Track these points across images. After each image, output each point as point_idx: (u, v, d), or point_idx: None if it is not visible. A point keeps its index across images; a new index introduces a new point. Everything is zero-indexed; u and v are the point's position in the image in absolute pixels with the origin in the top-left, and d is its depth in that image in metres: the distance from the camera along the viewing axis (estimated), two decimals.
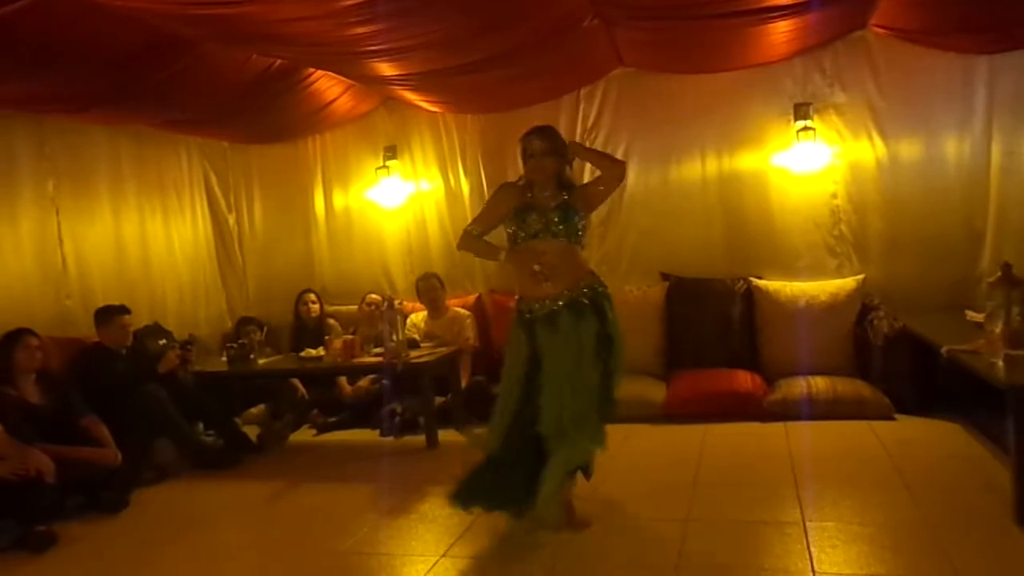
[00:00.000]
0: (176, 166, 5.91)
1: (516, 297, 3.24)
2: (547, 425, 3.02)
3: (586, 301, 3.10)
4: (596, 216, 5.50)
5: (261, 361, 5.01)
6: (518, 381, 3.16)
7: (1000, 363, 3.08)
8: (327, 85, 4.96)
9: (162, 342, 4.88)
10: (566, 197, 3.17)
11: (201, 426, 4.74)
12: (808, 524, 3.01)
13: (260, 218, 6.43)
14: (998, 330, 3.22)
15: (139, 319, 4.93)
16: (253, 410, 5.29)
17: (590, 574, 2.79)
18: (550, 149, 3.15)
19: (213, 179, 6.28)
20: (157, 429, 4.36)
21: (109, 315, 4.46)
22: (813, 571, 2.62)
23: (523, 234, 3.13)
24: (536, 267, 3.05)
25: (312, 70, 4.64)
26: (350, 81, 5.03)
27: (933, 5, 4.26)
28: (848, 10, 4.34)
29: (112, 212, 5.27)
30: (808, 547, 2.81)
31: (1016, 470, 2.89)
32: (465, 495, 3.13)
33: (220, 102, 4.71)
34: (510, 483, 3.07)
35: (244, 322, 5.69)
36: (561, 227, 3.10)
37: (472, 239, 3.25)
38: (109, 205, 5.26)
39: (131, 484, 3.98)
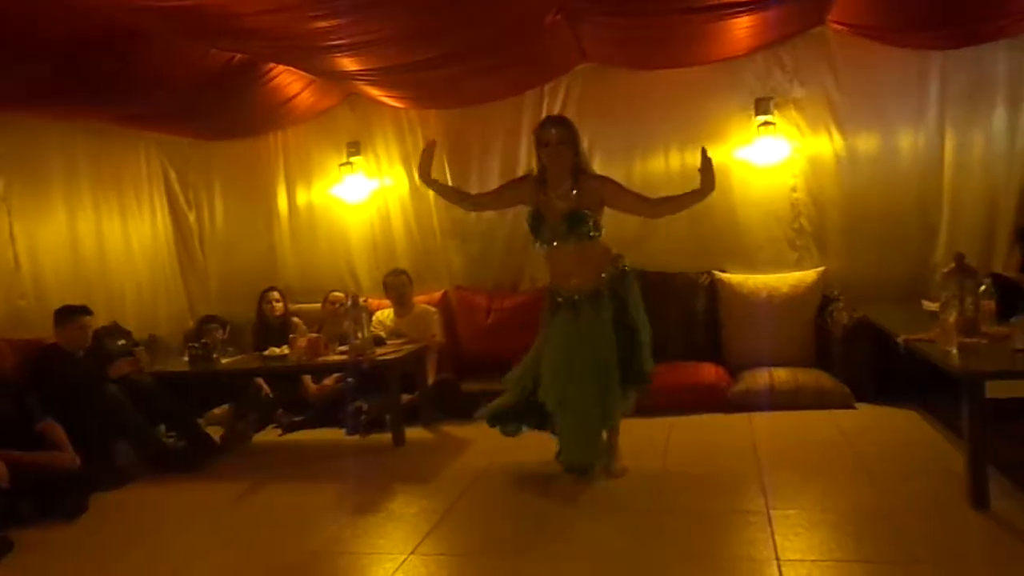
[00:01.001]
0: (134, 163, 5.78)
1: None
2: (546, 393, 3.42)
3: (603, 290, 3.44)
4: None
5: (224, 360, 4.93)
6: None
7: (954, 351, 3.15)
8: (288, 80, 4.89)
9: (121, 342, 4.77)
10: (575, 193, 3.38)
11: (163, 428, 4.65)
12: (772, 512, 3.06)
13: (221, 215, 6.33)
14: (952, 319, 3.30)
15: (97, 319, 4.80)
16: (216, 410, 5.19)
17: (556, 564, 2.80)
18: (566, 138, 3.33)
19: (172, 176, 6.16)
20: (116, 431, 4.27)
21: (69, 315, 4.35)
22: (777, 559, 2.66)
23: (539, 241, 3.51)
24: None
25: (273, 65, 4.57)
26: (312, 76, 4.96)
27: (888, 2, 4.34)
28: (806, 6, 4.40)
29: (67, 210, 5.14)
30: (772, 535, 2.85)
31: (970, 455, 2.97)
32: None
33: (179, 97, 4.61)
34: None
35: (206, 321, 5.58)
36: (571, 235, 3.40)
37: (450, 189, 3.93)
38: (63, 203, 5.12)
39: (90, 488, 3.88)
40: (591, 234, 3.43)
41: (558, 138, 3.31)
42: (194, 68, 4.21)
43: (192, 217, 6.31)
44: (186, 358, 4.92)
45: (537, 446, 4.34)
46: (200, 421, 4.87)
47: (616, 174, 5.35)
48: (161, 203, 6.04)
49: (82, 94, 4.30)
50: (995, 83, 4.82)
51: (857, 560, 2.64)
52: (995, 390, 2.86)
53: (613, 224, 5.41)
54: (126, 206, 5.66)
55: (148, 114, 5.07)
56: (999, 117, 4.83)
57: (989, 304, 3.57)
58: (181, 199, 6.23)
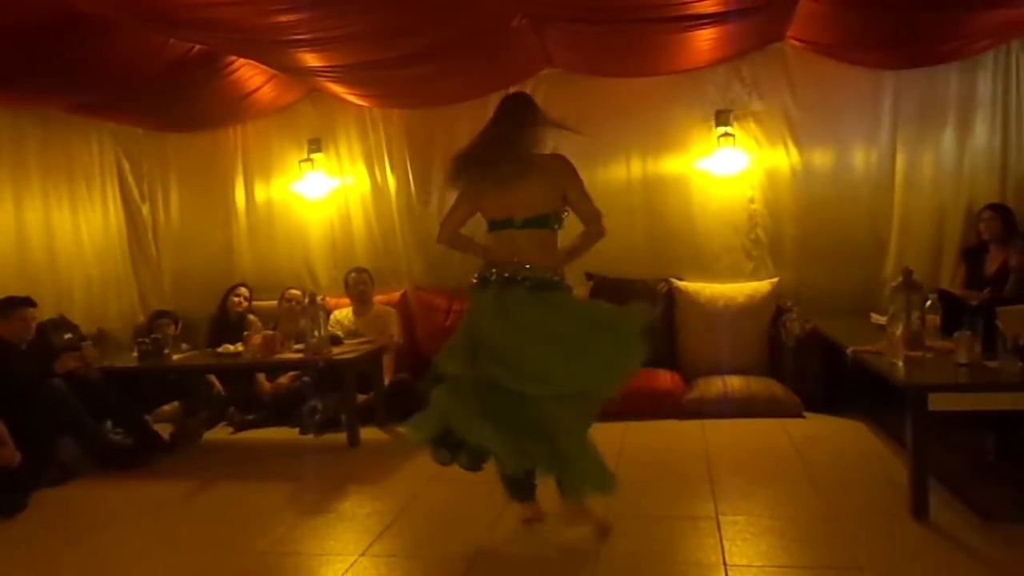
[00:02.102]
0: (86, 152, 5.64)
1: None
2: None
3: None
4: None
5: (175, 356, 4.84)
6: None
7: (900, 364, 3.24)
8: (249, 74, 4.83)
9: (68, 336, 4.66)
10: None
11: (109, 424, 4.53)
12: (721, 518, 3.10)
13: (177, 209, 6.20)
14: (899, 332, 3.39)
15: (44, 312, 4.69)
16: (166, 407, 5.10)
17: (508, 567, 2.80)
18: None
19: (126, 167, 6.03)
20: (60, 427, 4.16)
21: (11, 307, 4.23)
22: (724, 564, 2.70)
23: None
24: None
25: (233, 58, 4.51)
26: (273, 71, 4.90)
27: (845, 21, 4.45)
28: (766, 22, 4.49)
29: (14, 199, 5.00)
30: (721, 540, 2.89)
31: (912, 466, 3.05)
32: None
33: (134, 87, 4.51)
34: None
35: (158, 316, 5.49)
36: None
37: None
38: (11, 192, 4.98)
39: (30, 485, 3.78)
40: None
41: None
42: (152, 57, 4.13)
43: (146, 210, 6.17)
44: (135, 353, 4.81)
45: None
46: (149, 418, 4.77)
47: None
48: (114, 194, 5.91)
49: (34, 80, 4.19)
50: (946, 104, 4.97)
51: (801, 566, 2.69)
52: (938, 403, 2.94)
53: (579, 230, 5.44)
54: (77, 197, 5.52)
55: (102, 103, 4.96)
56: (949, 138, 4.98)
57: (934, 319, 3.69)
58: (135, 191, 6.09)
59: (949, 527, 2.91)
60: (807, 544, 2.87)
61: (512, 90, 5.44)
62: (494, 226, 3.04)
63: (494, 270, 2.97)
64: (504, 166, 2.97)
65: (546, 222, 2.98)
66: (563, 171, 3.05)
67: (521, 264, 2.91)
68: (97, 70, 4.17)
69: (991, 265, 4.44)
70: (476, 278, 3.05)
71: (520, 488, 3.06)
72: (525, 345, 2.82)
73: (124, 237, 5.97)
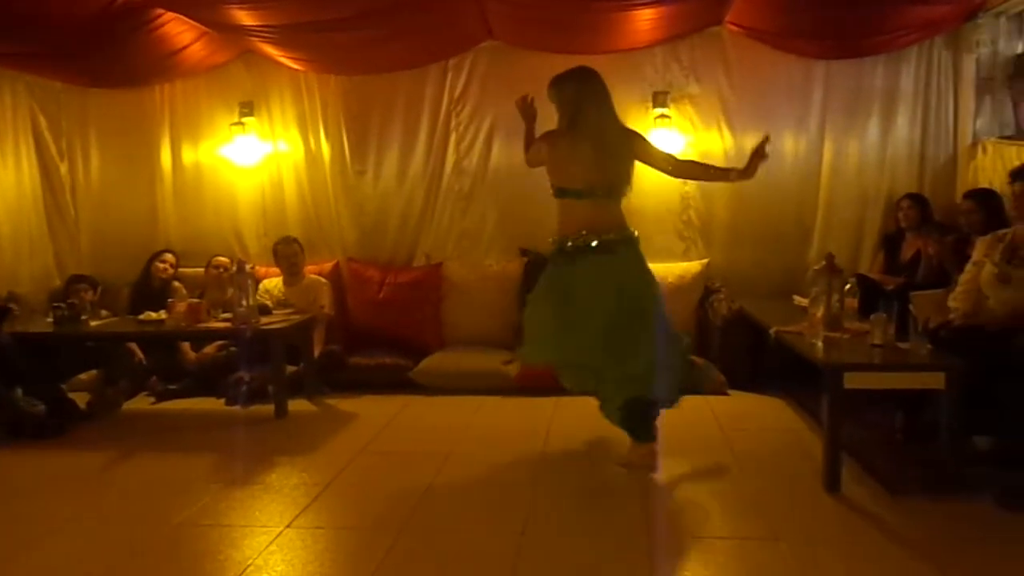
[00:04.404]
0: None
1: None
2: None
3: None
4: (459, 191, 5.53)
5: (93, 323, 4.65)
6: None
7: (819, 344, 3.38)
8: (178, 30, 4.62)
9: None
10: None
11: (20, 392, 4.33)
12: (647, 490, 3.19)
13: (97, 169, 5.91)
14: (819, 314, 3.53)
15: None
16: (83, 376, 4.89)
17: (440, 539, 2.82)
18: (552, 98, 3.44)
19: (43, 122, 5.70)
20: None
21: None
22: (648, 533, 2.78)
23: None
24: None
25: (161, 12, 4.30)
26: (204, 28, 4.71)
27: (780, 9, 4.56)
28: (705, 6, 4.55)
29: None
30: (646, 511, 2.97)
31: (827, 442, 3.18)
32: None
33: (52, 37, 4.27)
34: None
35: (75, 280, 5.25)
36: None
37: None
38: None
39: None
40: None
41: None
42: (72, 6, 3.91)
43: (64, 169, 5.86)
44: (51, 319, 4.60)
45: (421, 421, 4.35)
46: (64, 387, 4.58)
47: (515, 156, 5.37)
48: (28, 151, 5.58)
49: None
50: (871, 95, 5.15)
51: (721, 537, 2.79)
52: (853, 381, 3.08)
53: (517, 206, 5.43)
54: None
55: (16, 53, 4.68)
56: (873, 128, 5.17)
57: (852, 302, 3.84)
58: (52, 148, 5.78)
59: (859, 500, 3.06)
60: (726, 516, 2.98)
61: (453, 62, 5.46)
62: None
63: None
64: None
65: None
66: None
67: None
68: (10, 17, 3.92)
69: (907, 252, 4.65)
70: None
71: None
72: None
73: (39, 197, 5.66)
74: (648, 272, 3.49)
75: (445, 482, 3.36)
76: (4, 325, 4.28)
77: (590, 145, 3.31)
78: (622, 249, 3.39)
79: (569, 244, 3.37)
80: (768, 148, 3.37)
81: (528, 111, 3.66)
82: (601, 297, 3.31)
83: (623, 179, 3.41)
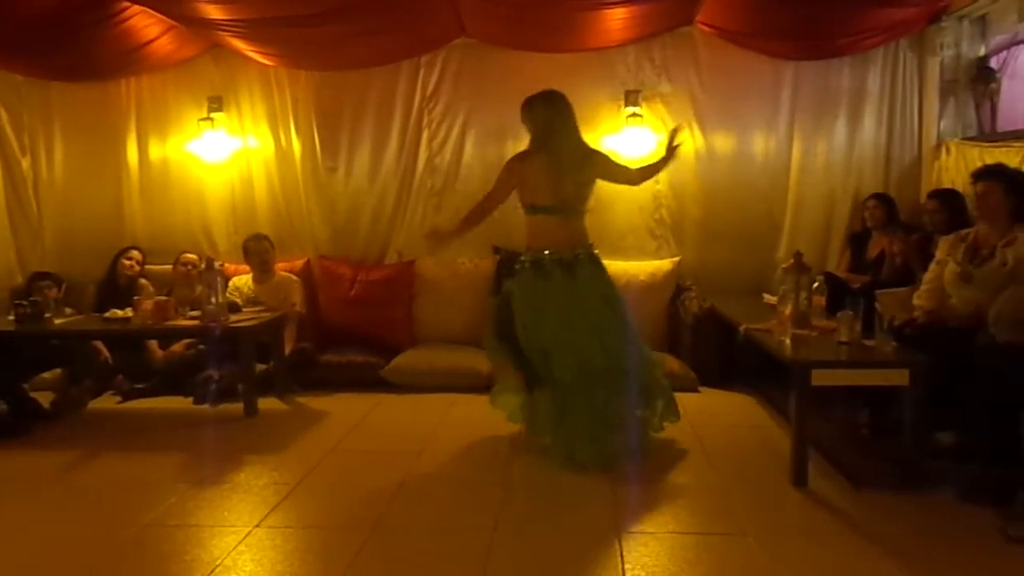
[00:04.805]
0: None
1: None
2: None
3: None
4: (431, 188, 5.51)
5: (57, 321, 4.56)
6: None
7: (787, 341, 3.42)
8: (144, 23, 4.54)
9: None
10: None
11: None
12: (617, 487, 3.21)
13: (61, 164, 5.78)
14: (788, 312, 3.57)
15: None
16: (47, 375, 4.79)
17: (411, 536, 2.81)
18: (525, 119, 3.69)
19: (3, 116, 5.57)
20: None
21: None
22: (617, 529, 2.80)
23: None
24: None
25: (127, 5, 4.22)
26: (171, 22, 4.63)
27: (750, 9, 4.60)
28: (676, 6, 4.58)
29: None
30: (615, 508, 2.99)
31: (794, 437, 3.23)
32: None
33: (13, 28, 4.17)
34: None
35: (38, 277, 5.14)
36: None
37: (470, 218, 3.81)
38: None
39: None
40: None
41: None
42: None
43: (26, 163, 5.73)
44: (12, 317, 4.50)
45: (392, 419, 4.33)
46: (27, 386, 4.49)
47: (488, 153, 5.43)
48: None
49: None
50: (839, 96, 5.22)
51: (690, 532, 2.82)
52: (820, 378, 3.12)
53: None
54: None
55: None
56: (840, 128, 5.24)
57: (820, 300, 3.89)
58: (13, 143, 5.65)
59: (825, 494, 3.11)
60: (696, 512, 3.01)
61: (425, 59, 5.43)
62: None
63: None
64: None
65: None
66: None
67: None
68: None
69: (873, 250, 4.72)
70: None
71: None
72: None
73: (0, 192, 5.54)
74: (613, 285, 3.75)
75: (417, 480, 3.36)
76: None
77: (559, 164, 3.54)
78: (590, 264, 3.63)
79: (543, 258, 3.56)
80: (679, 139, 3.78)
81: (440, 239, 4.04)
82: (576, 309, 3.51)
83: (587, 196, 3.67)
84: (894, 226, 4.62)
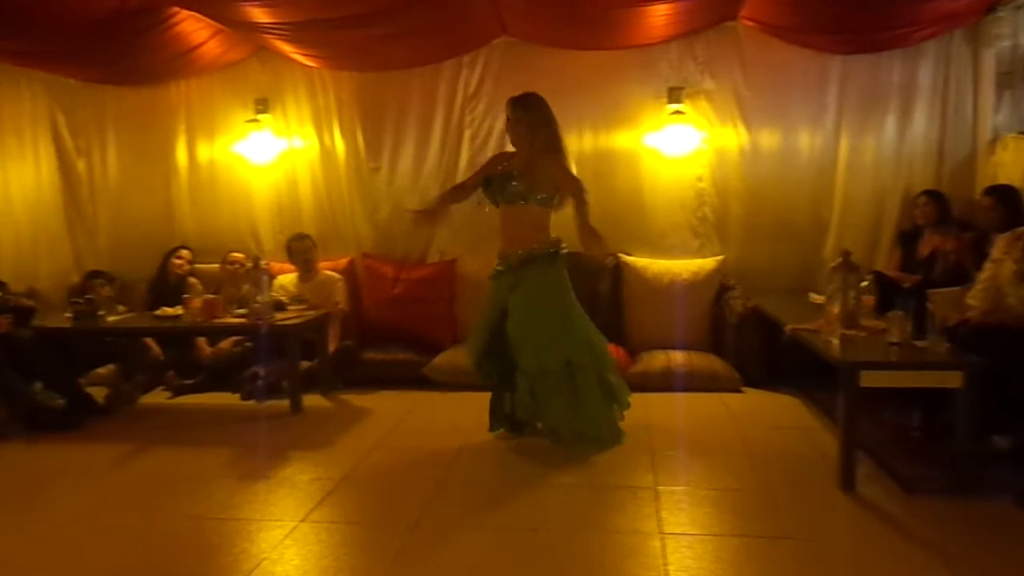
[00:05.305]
0: (15, 102, 5.38)
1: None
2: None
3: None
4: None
5: (111, 318, 4.70)
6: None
7: (835, 342, 3.35)
8: (193, 27, 4.64)
9: None
10: (529, 166, 3.64)
11: (39, 385, 4.38)
12: (659, 488, 3.18)
13: (115, 165, 5.96)
14: (836, 311, 3.50)
15: None
16: (101, 370, 4.94)
17: (448, 534, 2.82)
18: (523, 117, 3.67)
19: (61, 120, 5.77)
20: None
21: None
22: (660, 532, 2.77)
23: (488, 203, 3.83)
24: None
25: (177, 10, 4.32)
26: (219, 25, 4.73)
27: (796, 3, 4.51)
28: (720, 0, 4.52)
29: None
30: (658, 510, 2.96)
31: (842, 440, 3.16)
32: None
33: (70, 35, 4.30)
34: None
35: (92, 276, 5.30)
36: (499, 194, 3.69)
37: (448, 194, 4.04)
38: None
39: None
40: (521, 201, 3.65)
41: (514, 116, 3.69)
42: (89, 6, 3.94)
43: (82, 165, 5.92)
44: (69, 314, 4.65)
45: (435, 417, 4.36)
46: (83, 381, 4.63)
47: None
48: (47, 148, 5.65)
49: None
50: (889, 91, 5.09)
51: (733, 535, 2.78)
52: (869, 380, 3.05)
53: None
54: (6, 149, 5.28)
55: (35, 51, 4.73)
56: (890, 124, 5.11)
57: (869, 299, 3.81)
58: (70, 145, 5.84)
59: (874, 499, 3.04)
60: (740, 514, 2.96)
61: (466, 58, 5.47)
62: None
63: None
64: None
65: None
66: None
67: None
68: (29, 16, 3.96)
69: (924, 249, 4.60)
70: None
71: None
72: None
73: (58, 193, 5.73)
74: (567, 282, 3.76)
75: (458, 477, 3.38)
76: (27, 324, 4.33)
77: (536, 164, 3.65)
78: (552, 263, 3.71)
79: (513, 259, 3.68)
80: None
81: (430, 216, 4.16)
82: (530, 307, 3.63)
83: (553, 196, 3.72)
84: (947, 224, 4.49)
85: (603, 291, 5.26)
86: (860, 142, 5.16)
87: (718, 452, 3.63)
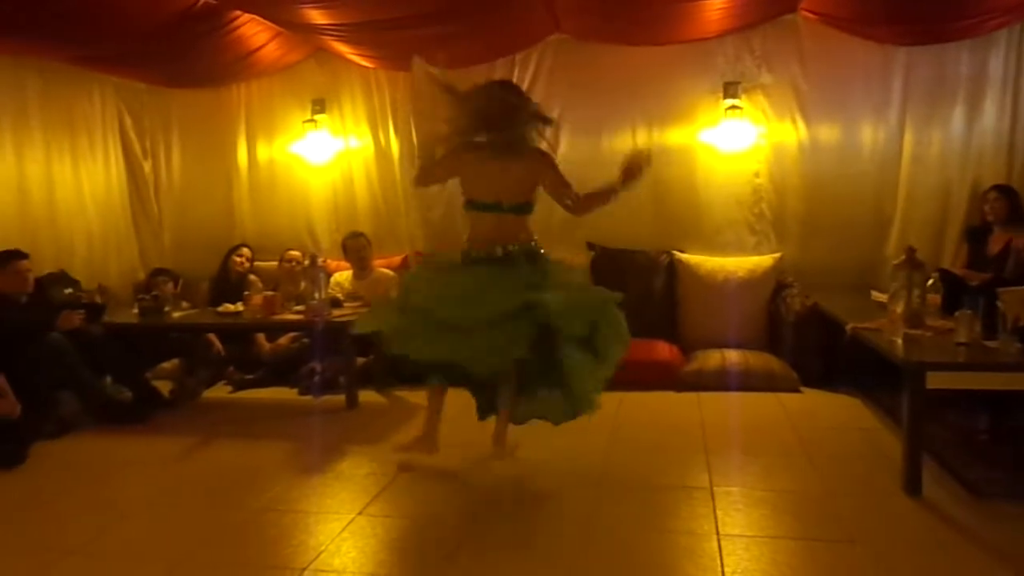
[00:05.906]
0: (87, 105, 5.60)
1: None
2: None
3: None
4: None
5: (175, 314, 4.85)
6: None
7: (899, 341, 3.25)
8: (254, 31, 4.76)
9: (68, 291, 4.65)
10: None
11: (109, 379, 4.55)
12: (715, 489, 3.13)
13: (178, 166, 6.17)
14: (899, 310, 3.40)
15: (42, 266, 4.69)
16: (166, 365, 5.11)
17: (503, 529, 2.84)
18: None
19: (128, 122, 5.98)
20: (60, 380, 4.17)
21: (3, 260, 4.22)
22: (717, 533, 2.73)
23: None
24: None
25: (238, 13, 4.44)
26: (278, 28, 4.84)
27: None
28: None
29: (15, 151, 4.97)
30: (714, 511, 2.92)
31: (906, 443, 3.07)
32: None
33: (136, 40, 4.46)
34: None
35: (157, 273, 5.48)
36: None
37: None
38: (11, 143, 4.95)
39: (30, 437, 3.81)
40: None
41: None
42: (154, 10, 4.08)
43: (148, 166, 6.13)
44: (136, 310, 4.81)
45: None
46: (149, 375, 4.79)
47: (583, 149, 5.42)
48: (115, 149, 5.87)
49: (36, 31, 4.14)
50: (956, 83, 4.93)
51: (792, 537, 2.72)
52: (936, 381, 2.95)
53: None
54: (78, 150, 5.49)
55: (104, 56, 4.91)
56: (958, 116, 4.94)
57: (935, 298, 3.69)
58: (137, 147, 6.05)
59: (940, 503, 2.94)
60: (799, 516, 2.90)
61: (520, 56, 5.47)
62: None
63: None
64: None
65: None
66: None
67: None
68: (99, 22, 4.11)
69: (994, 246, 4.43)
70: None
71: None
72: None
73: (125, 193, 5.95)
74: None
75: (512, 474, 3.38)
76: (99, 320, 4.50)
77: (507, 160, 3.37)
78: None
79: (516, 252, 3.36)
80: (642, 162, 3.35)
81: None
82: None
83: (529, 196, 3.44)
84: (1018, 220, 4.32)
85: (656, 288, 5.22)
86: (925, 136, 5.00)
87: (775, 453, 3.56)
